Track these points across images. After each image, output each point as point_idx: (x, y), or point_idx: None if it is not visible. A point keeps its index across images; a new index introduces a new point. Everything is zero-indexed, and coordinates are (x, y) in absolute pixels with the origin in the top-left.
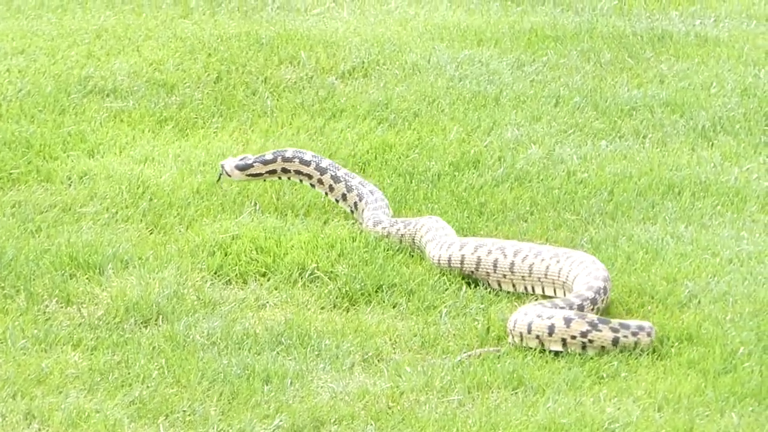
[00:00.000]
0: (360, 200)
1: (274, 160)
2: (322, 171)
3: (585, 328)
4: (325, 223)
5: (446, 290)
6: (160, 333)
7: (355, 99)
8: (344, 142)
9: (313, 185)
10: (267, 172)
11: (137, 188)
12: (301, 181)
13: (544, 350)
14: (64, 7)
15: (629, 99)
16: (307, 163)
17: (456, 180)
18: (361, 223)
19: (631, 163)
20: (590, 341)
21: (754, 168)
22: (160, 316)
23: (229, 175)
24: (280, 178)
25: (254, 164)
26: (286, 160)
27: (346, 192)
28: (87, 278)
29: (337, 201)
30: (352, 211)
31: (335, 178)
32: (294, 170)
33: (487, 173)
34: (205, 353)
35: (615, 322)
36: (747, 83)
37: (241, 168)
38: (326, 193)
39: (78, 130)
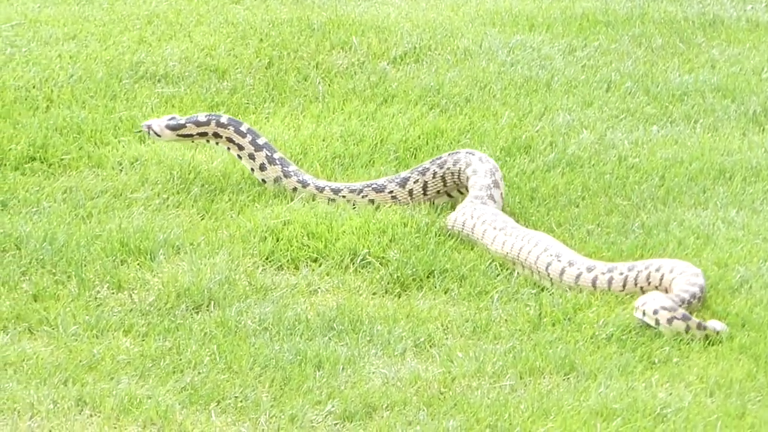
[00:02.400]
0: (303, 186)
1: (207, 123)
2: (258, 147)
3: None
4: (377, 208)
5: (498, 275)
6: (212, 319)
7: (407, 84)
8: (396, 127)
9: (240, 156)
10: (198, 134)
11: (188, 174)
12: (228, 149)
13: (596, 336)
14: None
15: (680, 84)
16: (243, 135)
17: (507, 165)
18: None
19: (683, 148)
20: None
21: None
22: (212, 302)
23: (159, 135)
24: (208, 141)
25: (186, 124)
26: (220, 125)
27: (282, 176)
28: (138, 264)
29: (264, 181)
30: (275, 180)
31: (270, 159)
32: (226, 137)
33: (539, 158)
34: (256, 339)
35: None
36: None
37: (172, 128)
38: (252, 170)
39: (129, 115)
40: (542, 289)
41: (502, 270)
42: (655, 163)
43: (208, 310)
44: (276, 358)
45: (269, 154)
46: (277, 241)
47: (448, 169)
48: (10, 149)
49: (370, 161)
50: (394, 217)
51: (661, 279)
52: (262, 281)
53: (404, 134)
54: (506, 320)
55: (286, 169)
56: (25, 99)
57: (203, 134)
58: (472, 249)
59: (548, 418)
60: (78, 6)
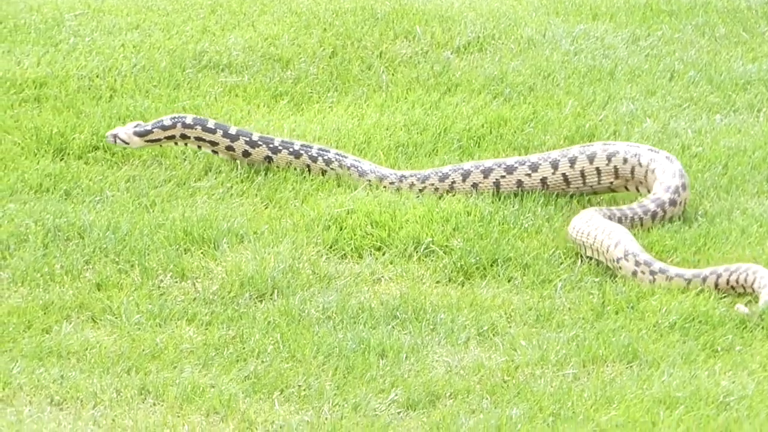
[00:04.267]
0: (296, 158)
1: (173, 126)
2: (232, 137)
3: None
4: (440, 197)
5: (561, 264)
6: (275, 307)
7: (470, 73)
8: (459, 116)
9: (216, 152)
10: (165, 138)
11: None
12: (199, 147)
13: (659, 324)
14: None
15: (744, 73)
16: (212, 131)
17: None
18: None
19: (746, 137)
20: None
21: None
22: (275, 291)
23: (127, 143)
24: (177, 144)
25: (153, 130)
26: (186, 126)
27: (271, 154)
28: (201, 253)
29: (252, 165)
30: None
31: (251, 143)
32: (194, 137)
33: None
34: (320, 328)
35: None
36: None
37: (140, 134)
38: (236, 160)
39: (193, 104)
40: (606, 278)
41: (565, 259)
42: (718, 152)
43: (271, 299)
44: (339, 346)
45: (248, 138)
46: (341, 229)
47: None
48: (73, 138)
49: (433, 150)
50: (457, 206)
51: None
52: (326, 270)
53: (467, 123)
54: (569, 308)
55: (271, 145)
56: (89, 88)
57: (171, 137)
58: (536, 237)
59: (611, 406)
60: None
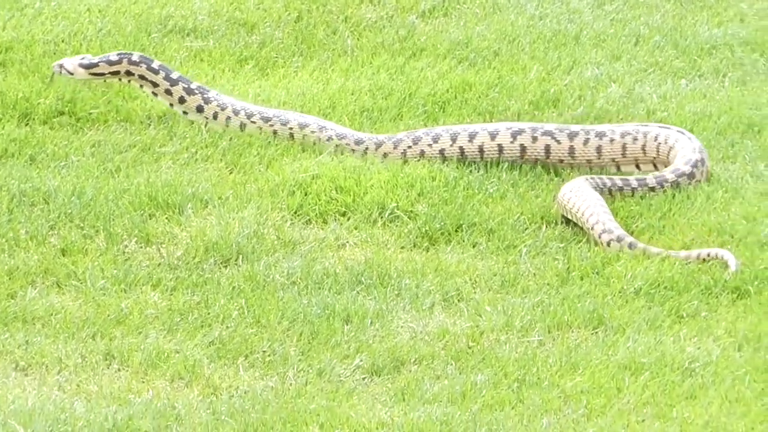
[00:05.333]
0: (222, 110)
1: (119, 62)
2: (173, 82)
3: None
4: (404, 162)
5: (526, 230)
6: (240, 273)
7: (435, 38)
8: (424, 81)
9: (155, 94)
10: (110, 73)
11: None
12: (141, 86)
13: (624, 290)
14: None
15: (709, 38)
16: (155, 71)
17: (536, 119)
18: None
19: (711, 102)
20: None
21: None
22: (240, 256)
23: (71, 74)
24: (120, 80)
25: (99, 63)
26: (132, 63)
27: (203, 104)
28: (166, 218)
29: (186, 113)
30: (206, 123)
31: (188, 90)
32: (138, 74)
33: (567, 112)
34: (285, 293)
35: None
36: None
37: (86, 66)
38: (171, 105)
39: None
40: (570, 243)
41: (530, 224)
42: (684, 117)
43: (236, 265)
44: (304, 312)
45: (186, 85)
46: (306, 195)
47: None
48: (38, 103)
49: (398, 115)
50: (422, 171)
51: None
52: (291, 235)
53: (433, 88)
54: (534, 274)
55: (206, 95)
56: (54, 53)
57: (115, 73)
58: (500, 203)
59: (576, 372)
60: None
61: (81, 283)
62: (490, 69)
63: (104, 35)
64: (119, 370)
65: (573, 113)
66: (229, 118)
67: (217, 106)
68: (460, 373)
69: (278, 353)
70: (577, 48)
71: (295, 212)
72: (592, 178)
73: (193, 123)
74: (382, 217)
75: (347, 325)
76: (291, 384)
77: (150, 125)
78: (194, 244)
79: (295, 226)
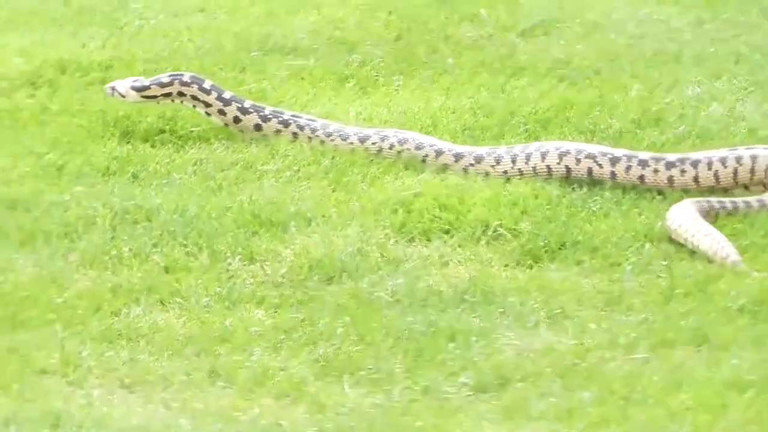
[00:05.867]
0: (285, 126)
1: (170, 83)
2: (226, 102)
3: None
4: (507, 180)
5: (630, 247)
6: (344, 290)
7: (536, 57)
8: (525, 99)
9: (209, 114)
10: (162, 95)
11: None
12: (194, 107)
13: (728, 307)
14: None
15: None
16: (207, 92)
17: (637, 138)
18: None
19: None
20: None
21: None
22: (344, 274)
23: (123, 96)
24: (173, 101)
25: (151, 86)
26: (183, 84)
27: (260, 122)
28: (270, 236)
29: (243, 132)
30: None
31: (243, 110)
32: (190, 95)
33: (669, 131)
34: (389, 311)
35: None
36: None
37: (138, 89)
38: (226, 125)
39: (259, 88)
40: (674, 261)
41: (634, 242)
42: None
43: (340, 282)
44: (409, 329)
45: (240, 105)
46: (409, 213)
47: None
48: (140, 122)
49: (499, 133)
50: (525, 189)
51: None
52: (394, 253)
53: (534, 107)
54: (639, 292)
55: (262, 113)
56: (155, 71)
57: (168, 95)
58: (603, 220)
59: (681, 390)
60: None
61: (185, 301)
62: (591, 87)
63: (204, 53)
64: (224, 387)
65: (675, 131)
66: (295, 133)
67: (278, 123)
68: (565, 391)
69: (384, 371)
70: (677, 67)
71: (399, 230)
72: (698, 201)
73: (295, 141)
74: (485, 235)
75: (452, 342)
76: (397, 401)
77: (252, 143)
78: (298, 262)
79: (399, 244)
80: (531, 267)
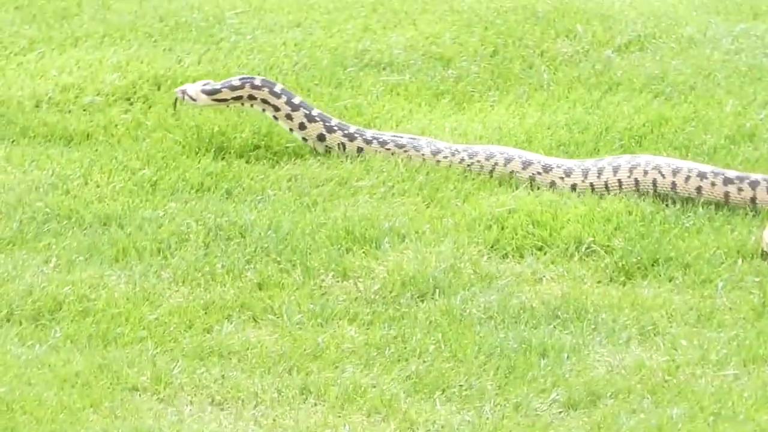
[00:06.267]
0: (350, 140)
1: (242, 86)
2: (294, 107)
3: None
4: (600, 196)
5: (722, 264)
6: (437, 307)
7: (632, 72)
8: (620, 115)
9: (276, 118)
10: (233, 98)
11: (413, 161)
12: (264, 110)
13: None
14: None
15: None
16: (278, 95)
17: (732, 153)
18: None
19: None
20: None
21: None
22: (437, 290)
23: (194, 100)
24: (243, 105)
25: (222, 89)
26: (254, 87)
27: (325, 132)
28: (363, 252)
29: (305, 140)
30: (327, 149)
31: (310, 117)
32: (261, 98)
33: (764, 146)
34: (481, 327)
35: None
36: None
37: (209, 93)
38: (291, 130)
39: (354, 103)
40: (767, 277)
41: (726, 258)
42: None
43: (433, 299)
44: (501, 346)
45: (307, 112)
46: (502, 229)
47: None
48: (234, 137)
49: (594, 149)
50: (618, 206)
51: None
52: (487, 269)
53: (629, 122)
54: (730, 308)
55: (328, 124)
56: None
57: (238, 98)
58: (697, 236)
59: None
60: None
61: (277, 318)
62: (686, 103)
63: (300, 69)
64: (315, 404)
65: None
66: (360, 148)
67: (343, 136)
68: (656, 408)
69: (475, 387)
70: None
71: (492, 246)
72: None
73: (389, 158)
74: (578, 252)
75: (544, 359)
76: (488, 418)
77: (347, 159)
78: (391, 279)
79: (492, 261)
80: (624, 284)
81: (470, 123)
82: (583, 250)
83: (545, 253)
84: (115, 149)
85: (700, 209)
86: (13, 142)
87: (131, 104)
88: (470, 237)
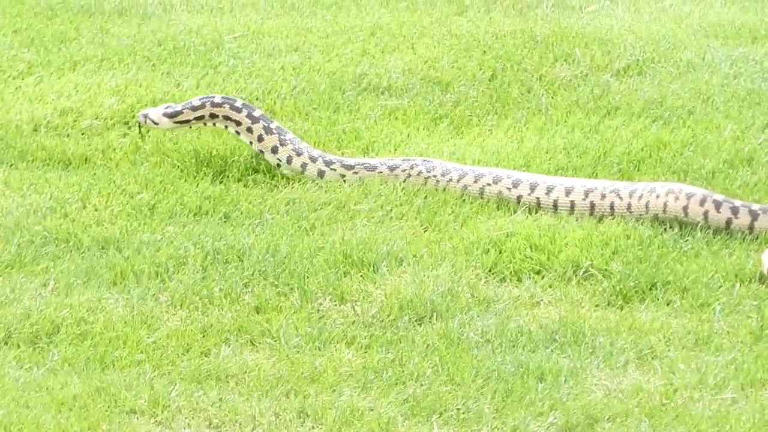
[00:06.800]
0: (297, 155)
1: (202, 106)
2: (254, 120)
3: None
4: (599, 220)
5: (720, 287)
6: (434, 331)
7: (630, 97)
8: (619, 139)
9: (238, 132)
10: (195, 119)
11: (412, 186)
12: (226, 127)
13: None
14: (339, 5)
15: None
16: (238, 110)
17: (730, 177)
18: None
19: None
20: None
21: None
22: (435, 314)
23: (156, 123)
24: (205, 124)
25: (183, 111)
26: (215, 105)
27: (278, 145)
28: (361, 276)
29: (262, 152)
30: (278, 165)
31: (267, 129)
32: (222, 116)
33: (762, 171)
34: (479, 351)
35: None
36: None
37: (170, 115)
38: (251, 143)
39: (353, 127)
40: (764, 301)
41: (724, 282)
42: None
43: (430, 322)
44: (498, 369)
45: (266, 125)
46: (500, 253)
47: None
48: (233, 161)
49: (593, 173)
50: (617, 230)
51: None
52: (485, 293)
53: (627, 147)
54: (728, 332)
55: (282, 137)
56: None
57: (200, 118)
58: (695, 261)
59: None
60: (301, 18)
61: (275, 341)
62: (685, 128)
63: (298, 93)
64: (313, 427)
65: None
66: (305, 164)
67: (292, 149)
68: (653, 431)
69: (472, 411)
70: None
71: (490, 270)
72: None
73: (388, 182)
74: (576, 276)
75: (541, 382)
76: None
77: (345, 182)
78: (389, 302)
79: (490, 284)
80: (621, 307)
81: (468, 147)
82: (581, 273)
83: (543, 277)
84: (114, 173)
85: (699, 233)
86: (11, 165)
87: (129, 128)
88: (468, 261)
